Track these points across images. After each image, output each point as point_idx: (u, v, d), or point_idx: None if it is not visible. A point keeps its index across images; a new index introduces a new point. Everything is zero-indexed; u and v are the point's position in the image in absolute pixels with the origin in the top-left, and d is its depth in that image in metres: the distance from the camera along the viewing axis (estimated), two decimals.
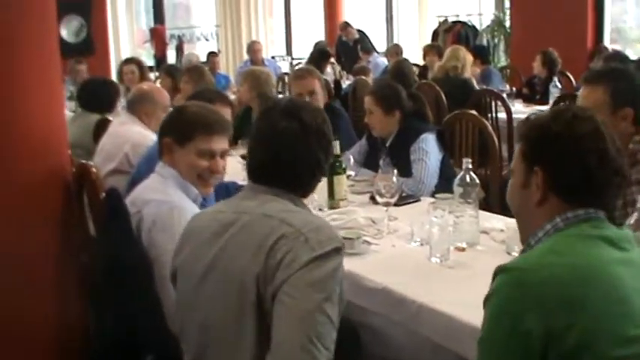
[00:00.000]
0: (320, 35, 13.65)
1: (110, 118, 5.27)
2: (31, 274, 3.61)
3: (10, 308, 3.64)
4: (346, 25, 12.22)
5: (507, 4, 11.24)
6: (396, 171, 3.36)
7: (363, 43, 11.64)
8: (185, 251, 2.21)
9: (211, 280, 2.07)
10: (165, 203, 2.76)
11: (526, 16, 9.57)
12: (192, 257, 2.15)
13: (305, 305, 1.87)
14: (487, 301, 1.72)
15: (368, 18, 13.50)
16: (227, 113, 3.67)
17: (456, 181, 3.07)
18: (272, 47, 13.43)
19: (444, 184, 3.95)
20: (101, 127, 4.97)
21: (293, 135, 2.12)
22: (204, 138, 2.86)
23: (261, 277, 1.93)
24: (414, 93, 4.51)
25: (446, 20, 11.77)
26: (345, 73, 10.39)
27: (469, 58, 7.37)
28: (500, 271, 1.72)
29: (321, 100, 4.65)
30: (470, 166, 3.06)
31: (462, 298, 2.51)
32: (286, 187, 2.15)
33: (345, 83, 9.44)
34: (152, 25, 13.01)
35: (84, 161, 3.66)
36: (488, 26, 11.60)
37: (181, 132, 2.88)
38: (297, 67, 12.41)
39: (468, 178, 3.03)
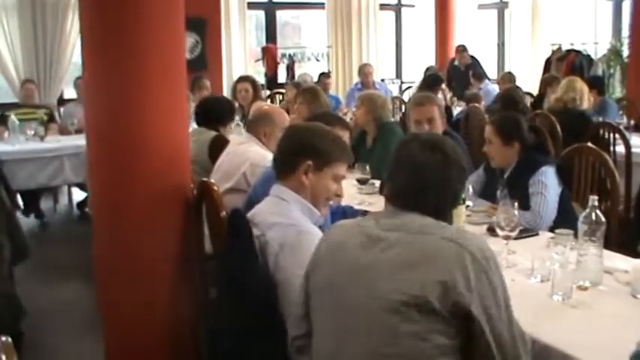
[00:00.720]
0: (430, 59, 13.60)
1: (223, 133, 5.38)
2: (151, 292, 3.73)
3: (127, 318, 3.77)
4: (462, 49, 12.11)
5: (625, 33, 10.97)
6: (516, 204, 3.31)
7: (475, 69, 11.50)
8: (327, 266, 2.30)
9: (363, 290, 2.15)
10: (291, 227, 2.79)
11: None
12: (339, 270, 2.25)
13: (503, 311, 2.13)
14: None
15: (479, 43, 13.36)
16: (346, 137, 3.69)
17: (581, 218, 2.99)
18: (381, 69, 13.43)
19: (562, 219, 3.90)
20: (216, 144, 5.08)
21: (437, 166, 2.25)
22: (340, 164, 2.97)
23: (441, 292, 2.05)
24: (536, 126, 4.45)
25: (559, 48, 11.54)
26: (455, 99, 10.31)
27: (586, 89, 7.22)
28: None
29: (439, 127, 4.63)
30: (596, 204, 2.98)
31: (586, 340, 2.47)
32: (428, 214, 2.24)
33: (456, 109, 9.36)
34: (264, 43, 13.19)
35: (205, 179, 3.74)
36: (604, 55, 11.31)
37: (323, 156, 2.93)
38: (406, 91, 12.49)
39: (593, 216, 2.95)
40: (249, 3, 12.58)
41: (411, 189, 2.26)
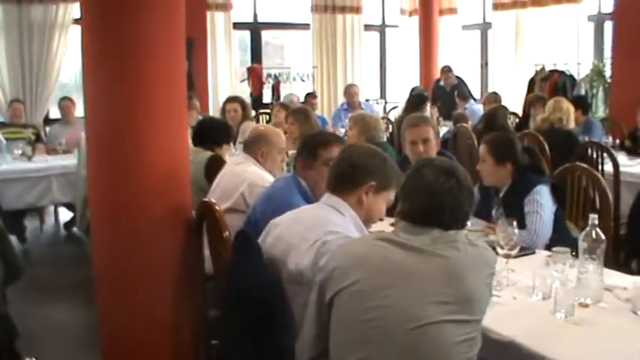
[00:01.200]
0: (414, 79, 13.68)
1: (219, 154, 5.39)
2: (151, 311, 3.73)
3: (127, 338, 3.77)
4: (448, 69, 12.19)
5: (607, 53, 11.09)
6: (515, 223, 3.36)
7: (460, 89, 11.57)
8: (355, 274, 2.41)
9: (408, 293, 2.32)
10: (349, 239, 2.80)
11: (628, 66, 9.39)
12: (370, 280, 2.38)
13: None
14: None
15: (463, 64, 13.44)
16: None
17: (581, 236, 3.03)
18: (365, 89, 13.48)
19: (557, 237, 3.95)
20: (213, 164, 5.09)
21: (452, 191, 2.47)
22: (393, 191, 3.07)
23: (482, 293, 2.38)
24: (530, 147, 4.50)
25: (543, 68, 11.61)
26: (441, 119, 10.36)
27: (572, 109, 7.30)
28: None
29: (434, 147, 4.65)
30: (596, 222, 3.03)
31: (590, 357, 2.51)
32: (444, 229, 2.45)
33: (442, 129, 9.40)
34: (248, 63, 13.22)
35: (206, 199, 3.76)
36: (586, 75, 11.41)
37: (386, 181, 3.05)
38: (391, 112, 12.55)
39: (594, 234, 3.00)
40: (234, 23, 12.64)
41: (429, 210, 2.45)
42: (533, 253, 3.77)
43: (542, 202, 4.06)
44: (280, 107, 8.23)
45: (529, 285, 3.15)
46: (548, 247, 3.81)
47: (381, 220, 3.21)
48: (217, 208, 3.49)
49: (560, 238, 3.90)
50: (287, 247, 2.93)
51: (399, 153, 5.34)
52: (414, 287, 2.31)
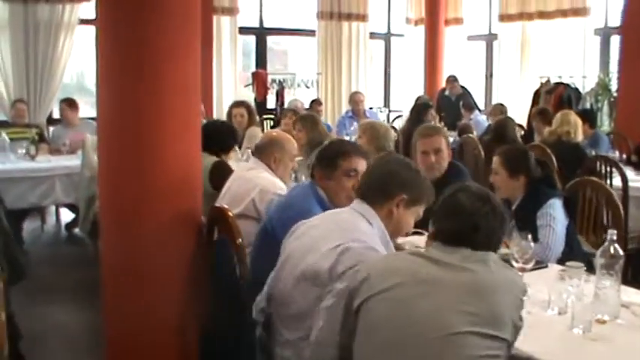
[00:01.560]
0: (418, 88, 13.65)
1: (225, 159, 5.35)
2: (157, 316, 3.69)
3: (133, 341, 3.74)
4: (454, 79, 12.17)
5: (613, 67, 11.08)
6: (530, 236, 3.33)
7: (465, 99, 11.54)
8: (383, 284, 2.42)
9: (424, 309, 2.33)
10: (372, 251, 2.79)
11: (634, 80, 9.36)
12: (399, 289, 2.40)
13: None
14: None
15: (468, 74, 13.41)
16: (363, 165, 3.65)
17: (599, 252, 3.00)
18: (369, 97, 13.42)
19: (569, 251, 3.93)
20: (217, 170, 5.07)
21: (488, 215, 2.49)
22: (424, 206, 3.06)
23: (510, 311, 2.36)
24: (542, 160, 4.46)
25: (548, 81, 11.59)
26: (445, 129, 10.31)
27: (579, 122, 7.27)
28: None
29: (446, 158, 4.62)
30: (615, 238, 2.99)
31: None
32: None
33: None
34: (251, 68, 13.19)
35: (218, 205, 3.73)
36: (592, 89, 11.39)
37: (418, 195, 3.03)
38: (395, 120, 12.52)
39: (612, 250, 2.97)
40: (240, 28, 12.62)
41: (462, 231, 2.47)
42: (546, 267, 3.73)
43: (555, 216, 4.03)
44: (292, 114, 8.12)
45: (544, 299, 3.11)
46: (560, 261, 3.79)
47: (407, 234, 3.21)
48: (230, 214, 3.45)
49: (572, 252, 3.89)
50: (308, 245, 2.90)
51: None
52: (442, 297, 2.32)
